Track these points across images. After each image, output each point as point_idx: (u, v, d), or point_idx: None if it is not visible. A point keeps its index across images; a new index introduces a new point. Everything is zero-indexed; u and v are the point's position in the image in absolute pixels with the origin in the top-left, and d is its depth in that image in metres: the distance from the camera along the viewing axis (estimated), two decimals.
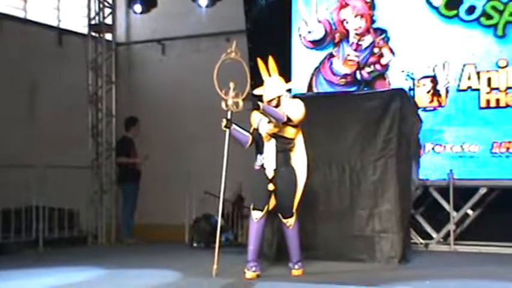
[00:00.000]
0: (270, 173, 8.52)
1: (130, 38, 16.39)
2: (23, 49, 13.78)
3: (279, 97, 8.58)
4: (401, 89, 11.02)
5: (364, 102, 10.57)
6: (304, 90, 12.46)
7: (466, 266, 9.78)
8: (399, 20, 12.28)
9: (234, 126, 8.58)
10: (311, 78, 12.77)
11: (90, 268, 9.41)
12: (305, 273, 8.69)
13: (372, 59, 12.42)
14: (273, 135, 8.51)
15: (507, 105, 11.51)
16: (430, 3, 12.05)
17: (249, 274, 8.40)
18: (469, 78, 11.75)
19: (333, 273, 8.91)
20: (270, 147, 8.54)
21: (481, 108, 11.66)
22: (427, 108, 11.90)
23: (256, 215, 8.50)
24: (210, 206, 12.56)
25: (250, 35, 13.38)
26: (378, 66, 12.38)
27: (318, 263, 9.42)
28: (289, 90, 8.82)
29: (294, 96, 8.98)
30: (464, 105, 11.75)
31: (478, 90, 11.69)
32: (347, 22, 12.63)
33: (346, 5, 12.63)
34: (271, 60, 8.72)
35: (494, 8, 11.64)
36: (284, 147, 8.57)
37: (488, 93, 11.63)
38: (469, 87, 11.75)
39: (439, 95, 11.91)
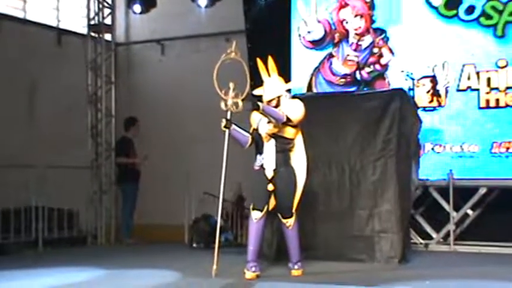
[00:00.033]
0: (269, 173, 8.51)
1: (129, 38, 16.39)
2: (22, 49, 13.77)
3: (278, 97, 8.58)
4: (401, 89, 11.02)
5: (363, 103, 10.57)
6: (303, 90, 12.44)
7: (466, 266, 9.78)
8: (399, 20, 12.26)
9: (233, 126, 8.58)
10: (311, 79, 12.76)
11: (89, 268, 9.41)
12: (305, 274, 8.69)
13: (371, 59, 12.41)
14: (273, 136, 8.51)
15: (507, 105, 11.50)
16: (429, 3, 12.04)
17: (249, 274, 8.40)
18: (468, 78, 11.75)
19: (333, 273, 8.91)
20: (269, 147, 8.53)
21: (480, 108, 11.65)
22: (427, 108, 11.89)
23: (255, 215, 8.50)
24: (209, 206, 12.57)
25: (250, 35, 13.38)
26: (377, 66, 12.37)
27: (317, 263, 9.42)
28: (288, 91, 8.82)
29: (294, 97, 8.98)
30: (464, 105, 11.75)
31: (477, 90, 11.68)
32: (347, 22, 12.62)
33: (346, 5, 12.62)
34: (270, 60, 8.72)
35: (493, 8, 11.64)
36: (284, 148, 8.57)
37: (487, 93, 11.62)
38: (469, 87, 11.74)
39: (438, 95, 11.90)
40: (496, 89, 11.57)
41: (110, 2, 14.61)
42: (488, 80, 11.62)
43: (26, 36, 14.02)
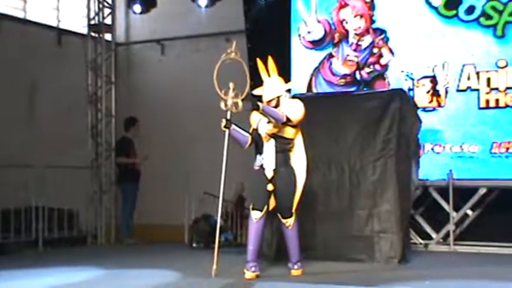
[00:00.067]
0: (269, 173, 8.52)
1: (129, 38, 16.39)
2: (22, 49, 13.78)
3: (278, 97, 8.58)
4: (401, 89, 11.04)
5: (363, 103, 10.58)
6: (303, 90, 12.45)
7: (466, 266, 9.78)
8: (399, 20, 12.27)
9: (233, 126, 8.58)
10: (310, 79, 12.77)
11: (89, 268, 9.41)
12: (304, 274, 8.70)
13: (371, 59, 12.42)
14: (273, 136, 8.52)
15: (506, 106, 11.50)
16: (429, 3, 12.05)
17: (249, 274, 8.41)
18: (468, 78, 11.75)
19: (332, 274, 8.92)
20: (269, 147, 8.54)
21: (480, 108, 11.66)
22: (427, 109, 11.89)
23: (255, 215, 8.50)
24: (209, 206, 12.57)
25: (250, 35, 13.38)
26: (377, 67, 12.38)
27: (317, 263, 9.43)
28: (288, 91, 8.83)
29: (294, 97, 8.99)
30: (464, 105, 11.75)
31: (477, 90, 11.68)
32: (346, 22, 12.62)
33: (346, 5, 12.63)
34: (270, 60, 8.72)
35: (493, 8, 11.64)
36: (283, 148, 8.57)
37: (487, 93, 11.62)
38: (469, 88, 11.75)
39: (438, 95, 11.90)
40: (496, 89, 11.57)
41: (110, 2, 14.61)
42: (488, 80, 11.62)
43: (26, 36, 14.02)
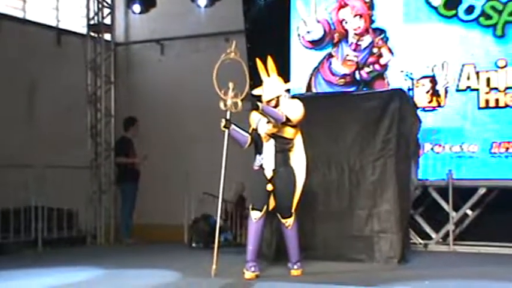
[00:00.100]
0: (268, 173, 8.52)
1: (129, 38, 16.39)
2: (22, 49, 13.77)
3: (278, 97, 8.58)
4: (401, 89, 11.02)
5: (363, 103, 10.57)
6: (303, 90, 12.46)
7: (465, 266, 9.78)
8: (398, 19, 12.27)
9: (233, 126, 8.58)
10: (310, 79, 12.77)
11: (89, 268, 9.41)
12: (304, 274, 8.69)
13: (371, 59, 12.42)
14: (272, 136, 8.51)
15: (506, 105, 11.51)
16: (429, 3, 12.04)
17: (248, 274, 8.40)
18: (468, 78, 11.75)
19: (332, 274, 8.91)
20: (269, 147, 8.54)
21: (480, 108, 11.66)
22: (426, 108, 11.89)
23: (255, 215, 8.50)
24: (209, 206, 12.56)
25: (249, 35, 13.38)
26: (377, 66, 12.38)
27: (316, 263, 9.42)
28: (288, 91, 8.82)
29: (293, 97, 8.98)
30: (464, 105, 11.75)
31: (477, 90, 11.69)
32: (346, 22, 12.62)
33: (345, 5, 12.63)
34: (270, 60, 8.72)
35: (493, 8, 11.64)
36: (283, 148, 8.57)
37: (487, 93, 11.63)
38: (468, 87, 11.75)
39: (438, 95, 11.90)
40: (496, 89, 11.57)
41: (109, 1, 14.60)
42: (488, 80, 11.63)
43: (25, 36, 14.02)
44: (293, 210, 8.63)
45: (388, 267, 9.47)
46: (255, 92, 8.74)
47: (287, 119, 8.43)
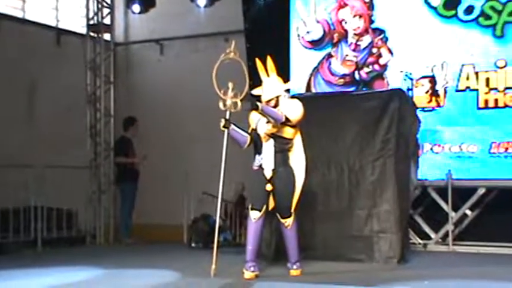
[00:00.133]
0: (268, 173, 8.52)
1: (128, 38, 16.38)
2: (21, 49, 13.77)
3: (277, 97, 8.58)
4: (400, 89, 11.04)
5: (362, 103, 10.58)
6: (302, 90, 12.46)
7: (465, 266, 9.78)
8: (398, 20, 12.27)
9: (232, 126, 8.58)
10: (309, 79, 12.77)
11: (88, 268, 9.41)
12: (303, 274, 8.70)
13: (370, 59, 12.42)
14: (272, 136, 8.52)
15: (505, 106, 11.51)
16: (428, 3, 12.05)
17: (248, 274, 8.41)
18: (467, 78, 11.75)
19: (331, 274, 8.92)
20: (268, 147, 8.54)
21: (479, 108, 11.66)
22: (426, 109, 11.89)
23: (254, 215, 8.50)
24: (208, 206, 12.55)
25: (249, 35, 13.38)
26: (376, 67, 12.38)
27: (316, 263, 9.43)
28: (287, 91, 8.82)
29: (293, 97, 8.99)
30: (463, 105, 11.75)
31: (476, 90, 11.69)
32: (346, 22, 12.62)
33: (345, 5, 12.63)
34: (269, 60, 8.72)
35: (492, 8, 11.64)
36: (282, 148, 8.57)
37: (486, 93, 11.63)
38: (468, 88, 11.75)
39: (437, 95, 11.90)
40: (495, 89, 11.57)
41: (109, 1, 14.59)
42: (487, 80, 11.62)
43: (25, 36, 14.01)
44: (292, 210, 8.63)
45: (387, 267, 9.48)
46: (255, 92, 8.74)
47: (286, 119, 8.43)
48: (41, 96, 14.14)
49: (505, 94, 11.51)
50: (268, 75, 8.68)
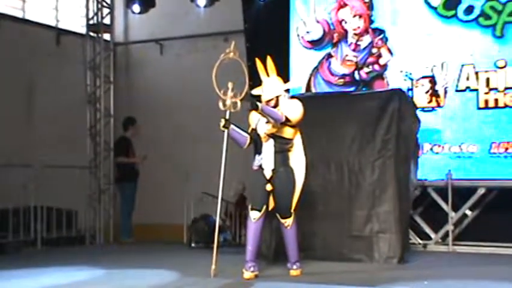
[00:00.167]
0: (268, 174, 8.52)
1: (128, 38, 16.37)
2: (21, 49, 13.76)
3: (277, 97, 8.58)
4: (400, 89, 11.03)
5: (362, 103, 10.58)
6: (302, 90, 12.45)
7: (465, 266, 9.79)
8: (397, 20, 12.26)
9: (232, 126, 8.58)
10: (309, 79, 12.76)
11: (88, 268, 9.41)
12: (303, 274, 8.69)
13: (370, 59, 12.41)
14: (272, 136, 8.51)
15: (505, 106, 11.50)
16: (428, 3, 12.04)
17: (247, 274, 8.41)
18: (467, 78, 11.74)
19: (331, 274, 8.92)
20: (268, 147, 8.54)
21: (479, 108, 11.65)
22: (426, 109, 11.89)
23: (254, 215, 8.50)
24: (209, 206, 12.54)
25: (249, 35, 13.37)
26: (376, 67, 12.37)
27: (316, 263, 9.43)
28: (287, 91, 8.82)
29: (292, 97, 8.98)
30: (463, 105, 11.75)
31: (476, 90, 11.68)
32: (345, 22, 12.62)
33: (345, 5, 12.62)
34: (269, 60, 8.72)
35: (492, 8, 11.63)
36: (282, 148, 8.56)
37: (486, 93, 11.62)
38: (468, 88, 11.74)
39: (437, 95, 11.90)
40: (495, 89, 11.56)
41: (108, 1, 14.59)
42: (487, 80, 11.62)
43: (25, 36, 14.00)
44: (292, 210, 8.63)
45: (387, 267, 9.48)
46: (255, 92, 8.74)
47: (286, 119, 8.43)
48: (40, 96, 14.13)
49: (505, 94, 11.50)
50: (268, 75, 8.68)
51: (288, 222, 8.62)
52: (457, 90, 11.80)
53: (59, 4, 15.27)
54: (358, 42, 12.50)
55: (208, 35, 14.88)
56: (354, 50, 12.53)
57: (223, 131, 8.55)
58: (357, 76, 12.48)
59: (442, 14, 11.96)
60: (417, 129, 10.79)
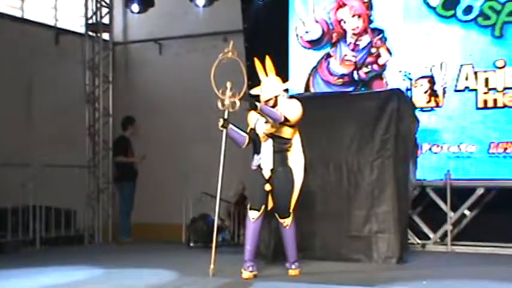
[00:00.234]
0: (266, 173, 8.52)
1: (127, 37, 16.35)
2: (20, 48, 13.75)
3: (276, 97, 8.58)
4: (399, 89, 11.03)
5: (361, 103, 10.59)
6: (301, 90, 12.44)
7: (463, 266, 9.79)
8: (397, 20, 12.27)
9: (230, 126, 8.58)
10: (308, 79, 12.76)
11: (87, 267, 9.41)
12: (302, 273, 8.70)
13: (369, 59, 12.41)
14: (270, 136, 8.51)
15: (504, 106, 11.50)
16: (427, 3, 12.04)
17: (246, 274, 8.41)
18: (466, 78, 11.75)
19: (330, 274, 8.92)
20: (267, 147, 8.53)
21: (478, 108, 11.65)
22: (425, 109, 11.89)
23: (253, 215, 8.50)
24: (208, 206, 12.54)
25: (247, 35, 13.37)
26: (375, 67, 12.37)
27: (315, 263, 9.43)
28: (286, 90, 8.81)
29: (291, 97, 8.99)
30: (462, 105, 11.75)
31: (475, 90, 11.68)
32: (344, 22, 12.62)
33: (344, 4, 12.62)
34: (268, 60, 8.72)
35: (491, 8, 11.63)
36: (281, 148, 8.56)
37: (485, 93, 11.62)
38: (467, 88, 11.75)
39: (436, 95, 11.90)
40: (494, 89, 11.56)
41: (107, 1, 14.59)
42: (486, 80, 11.62)
43: (23, 35, 13.98)
44: (291, 210, 8.63)
45: (386, 267, 9.48)
46: (253, 91, 8.74)
47: (285, 119, 8.43)
48: (39, 96, 14.12)
49: (504, 94, 11.51)
50: (267, 75, 8.68)
51: (287, 222, 8.62)
52: (455, 90, 11.81)
53: (57, 3, 15.25)
54: (357, 42, 12.51)
55: (207, 34, 14.86)
56: (352, 50, 12.53)
57: (222, 131, 8.55)
58: (355, 76, 12.48)
59: (441, 14, 11.97)
60: (416, 129, 10.79)
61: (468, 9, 11.77)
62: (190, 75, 14.60)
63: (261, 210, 8.49)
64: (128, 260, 10.43)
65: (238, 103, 8.39)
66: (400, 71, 12.12)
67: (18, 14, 14.31)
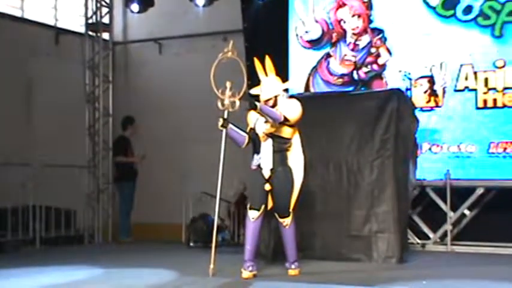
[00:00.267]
0: (266, 173, 8.51)
1: (127, 37, 16.35)
2: (20, 48, 13.74)
3: (275, 97, 8.57)
4: (399, 89, 11.03)
5: (361, 102, 10.59)
6: (301, 90, 12.44)
7: (463, 266, 9.79)
8: (396, 19, 12.27)
9: (230, 125, 8.58)
10: (308, 78, 12.76)
11: (86, 267, 9.41)
12: (302, 273, 8.69)
13: (369, 59, 12.41)
14: (270, 135, 8.51)
15: (504, 106, 11.50)
16: (427, 3, 12.04)
17: (246, 274, 8.41)
18: (466, 78, 11.75)
19: (330, 273, 8.91)
20: (266, 147, 8.53)
21: (478, 108, 11.65)
22: (424, 108, 11.89)
23: (252, 215, 8.50)
24: (207, 206, 12.55)
25: (247, 35, 13.37)
26: (375, 66, 12.37)
27: (314, 263, 9.43)
28: (286, 90, 8.81)
29: (291, 96, 8.99)
30: (462, 105, 11.75)
31: (475, 90, 11.68)
32: (344, 22, 12.62)
33: (344, 4, 12.62)
34: (268, 59, 8.72)
35: (491, 8, 11.63)
36: (281, 147, 8.56)
37: (485, 93, 11.62)
38: (466, 88, 11.75)
39: (436, 95, 11.91)
40: (494, 89, 11.57)
41: (107, 1, 14.61)
42: (486, 80, 11.62)
43: (23, 35, 13.98)
44: (291, 210, 8.63)
45: (386, 267, 9.48)
46: (253, 91, 8.73)
47: (285, 118, 8.43)
48: (39, 95, 14.11)
49: (503, 94, 11.51)
50: (266, 74, 8.68)
51: (287, 221, 8.62)
52: (455, 90, 11.81)
53: (57, 3, 15.25)
54: (357, 42, 12.51)
55: (207, 34, 14.86)
56: (352, 50, 12.53)
57: (222, 131, 8.56)
58: (355, 76, 12.48)
59: (440, 14, 11.97)
60: (416, 129, 10.80)
61: (468, 9, 11.77)
62: (190, 74, 14.59)
63: (261, 210, 8.49)
64: (128, 260, 10.43)
65: (238, 103, 8.39)
66: (399, 71, 12.12)
67: (18, 13, 14.31)
